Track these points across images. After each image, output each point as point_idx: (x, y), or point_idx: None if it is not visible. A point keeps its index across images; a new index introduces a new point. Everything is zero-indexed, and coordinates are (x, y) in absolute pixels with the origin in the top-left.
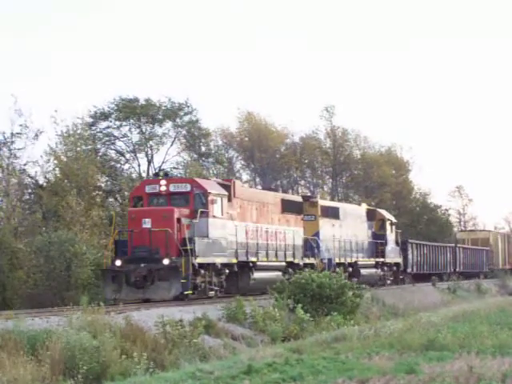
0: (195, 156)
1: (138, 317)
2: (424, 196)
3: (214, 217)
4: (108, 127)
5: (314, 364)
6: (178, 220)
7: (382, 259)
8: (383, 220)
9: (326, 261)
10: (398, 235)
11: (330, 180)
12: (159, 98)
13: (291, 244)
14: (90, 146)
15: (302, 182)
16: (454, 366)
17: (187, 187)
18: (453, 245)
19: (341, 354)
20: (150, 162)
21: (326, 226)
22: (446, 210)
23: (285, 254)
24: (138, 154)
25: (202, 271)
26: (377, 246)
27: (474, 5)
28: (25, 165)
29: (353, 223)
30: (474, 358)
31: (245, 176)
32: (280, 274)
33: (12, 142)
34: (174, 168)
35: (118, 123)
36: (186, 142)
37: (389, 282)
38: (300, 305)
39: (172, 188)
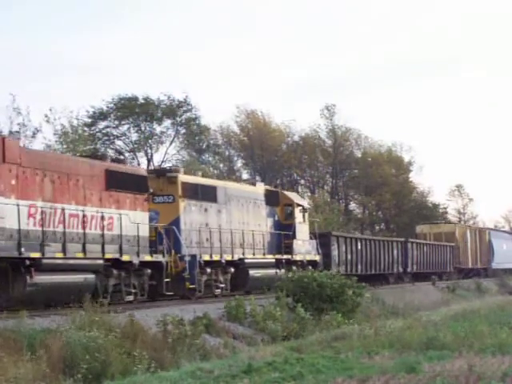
0: (194, 154)
1: (138, 316)
2: (422, 195)
3: None
4: (107, 127)
5: (314, 363)
6: None
7: (287, 256)
8: (291, 205)
9: (188, 258)
10: (316, 226)
11: (331, 179)
12: (158, 95)
13: (117, 234)
14: (88, 147)
15: (303, 182)
16: (454, 365)
17: None
18: (402, 239)
19: (341, 353)
20: (149, 160)
21: (192, 211)
22: (445, 208)
23: (103, 248)
24: (137, 153)
25: None
26: (280, 239)
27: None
28: None
29: (241, 208)
30: (474, 357)
31: (245, 175)
32: (92, 276)
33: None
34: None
35: (116, 122)
36: (185, 139)
37: None
38: (300, 304)
39: None
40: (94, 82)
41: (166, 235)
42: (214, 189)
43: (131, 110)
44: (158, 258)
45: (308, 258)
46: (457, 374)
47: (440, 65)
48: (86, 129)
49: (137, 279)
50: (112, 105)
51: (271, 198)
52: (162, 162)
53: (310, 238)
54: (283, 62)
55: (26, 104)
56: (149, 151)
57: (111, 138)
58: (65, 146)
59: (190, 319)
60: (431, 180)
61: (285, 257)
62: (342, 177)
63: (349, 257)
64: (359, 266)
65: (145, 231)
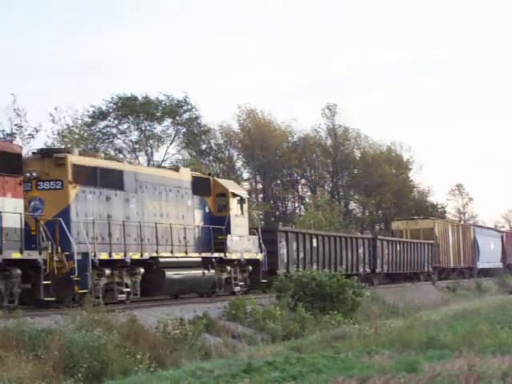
0: (195, 154)
1: (138, 316)
2: (422, 195)
3: None
4: (107, 126)
5: (315, 362)
6: None
7: (218, 254)
8: (225, 195)
9: (77, 257)
10: (260, 220)
11: (331, 179)
12: (158, 95)
13: None
14: (89, 146)
15: (303, 181)
16: (454, 365)
17: None
18: (370, 236)
19: (341, 352)
20: (149, 160)
21: (87, 200)
22: (443, 207)
23: None
24: (137, 153)
25: None
26: (211, 234)
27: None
28: None
29: (158, 198)
30: (474, 357)
31: (245, 174)
32: None
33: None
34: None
35: (116, 122)
36: (186, 139)
37: (238, 289)
38: (301, 303)
39: None
40: (94, 82)
41: (48, 228)
42: (119, 174)
43: (131, 108)
44: (32, 255)
45: (247, 256)
46: (457, 373)
47: (440, 65)
48: (85, 128)
49: (2, 282)
50: (112, 104)
51: (200, 187)
52: (163, 161)
53: (252, 234)
54: (283, 62)
55: (25, 105)
56: (149, 150)
57: (111, 137)
58: (63, 146)
59: (190, 319)
60: (431, 180)
61: (215, 255)
62: (342, 176)
63: (301, 255)
64: (315, 267)
65: (15, 222)
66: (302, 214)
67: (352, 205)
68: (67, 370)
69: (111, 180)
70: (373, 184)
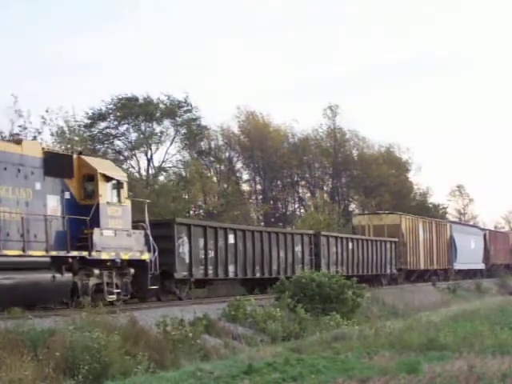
0: (195, 155)
1: (138, 316)
2: (423, 195)
3: None
4: (107, 127)
5: (314, 363)
6: None
7: (79, 253)
8: (94, 177)
9: None
10: (147, 210)
11: (331, 180)
12: (158, 95)
13: None
14: (89, 147)
15: (303, 183)
16: (454, 366)
17: None
18: (311, 232)
19: (341, 353)
20: (149, 160)
21: None
22: (444, 208)
23: None
24: (137, 153)
25: None
26: (74, 227)
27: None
28: None
29: None
30: (474, 358)
31: (245, 175)
32: None
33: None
34: (174, 166)
35: (115, 123)
36: (186, 140)
37: (114, 297)
38: (301, 304)
39: None
40: (94, 82)
41: None
42: None
43: (131, 109)
44: None
45: (126, 256)
46: (457, 374)
47: (440, 65)
48: (85, 129)
49: None
50: (111, 105)
51: (57, 166)
52: (163, 161)
53: (140, 228)
54: (283, 62)
55: (27, 105)
56: (148, 151)
57: (110, 138)
58: (63, 147)
59: (190, 320)
60: (431, 181)
61: (74, 254)
62: (340, 178)
63: (211, 255)
64: (231, 268)
65: None
66: (302, 215)
67: (352, 206)
68: (68, 371)
69: None
70: (372, 185)
